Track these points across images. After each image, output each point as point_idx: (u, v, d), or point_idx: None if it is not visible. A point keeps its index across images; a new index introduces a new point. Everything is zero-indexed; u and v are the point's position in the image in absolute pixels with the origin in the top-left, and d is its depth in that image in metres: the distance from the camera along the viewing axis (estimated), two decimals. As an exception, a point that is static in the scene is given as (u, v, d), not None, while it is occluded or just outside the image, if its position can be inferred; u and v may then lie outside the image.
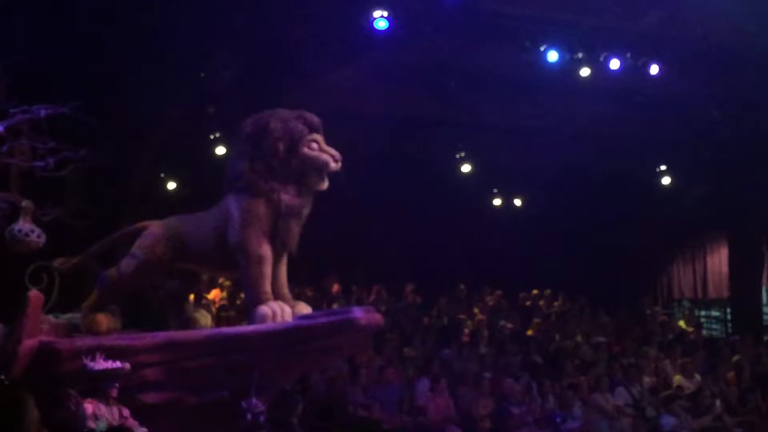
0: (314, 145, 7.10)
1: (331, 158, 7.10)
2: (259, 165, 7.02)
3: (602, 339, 17.76)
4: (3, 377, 6.47)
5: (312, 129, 7.16)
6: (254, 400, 6.63)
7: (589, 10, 15.74)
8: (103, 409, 6.49)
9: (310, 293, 16.55)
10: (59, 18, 12.31)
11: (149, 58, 13.43)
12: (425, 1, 14.94)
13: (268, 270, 7.00)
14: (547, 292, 20.64)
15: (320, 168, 7.08)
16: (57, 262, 7.49)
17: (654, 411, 14.71)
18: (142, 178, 15.72)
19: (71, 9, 12.55)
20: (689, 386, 15.48)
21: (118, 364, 6.55)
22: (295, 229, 7.10)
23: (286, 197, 7.01)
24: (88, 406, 6.45)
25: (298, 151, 7.05)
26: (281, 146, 7.02)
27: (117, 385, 6.55)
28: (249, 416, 6.63)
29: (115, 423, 6.49)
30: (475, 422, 13.39)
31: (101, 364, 6.55)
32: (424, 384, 13.75)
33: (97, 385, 6.54)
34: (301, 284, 16.07)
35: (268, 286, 7.00)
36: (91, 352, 6.58)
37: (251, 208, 6.98)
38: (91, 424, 6.39)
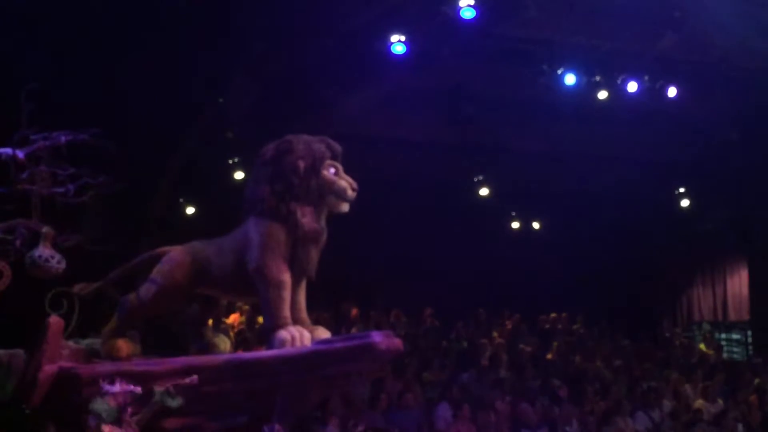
0: (332, 170, 7.08)
1: (349, 186, 7.06)
2: (279, 186, 6.99)
3: (622, 362, 17.68)
4: (24, 406, 6.46)
5: (333, 155, 7.14)
6: (275, 426, 6.60)
7: (607, 33, 15.77)
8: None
9: (328, 318, 16.55)
10: (80, 45, 12.41)
11: (169, 84, 13.50)
12: (442, 26, 14.97)
13: (287, 295, 6.97)
14: (564, 315, 20.59)
15: (339, 193, 7.04)
16: (77, 288, 7.47)
17: (675, 435, 14.65)
18: (162, 204, 15.78)
19: (91, 36, 12.65)
20: (711, 410, 15.38)
21: (137, 388, 6.55)
22: (314, 254, 7.06)
23: (305, 220, 6.97)
24: (107, 430, 6.44)
25: (319, 172, 7.03)
26: (302, 164, 6.98)
27: (130, 409, 6.54)
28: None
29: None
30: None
31: (120, 387, 6.55)
32: (443, 408, 13.71)
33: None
34: (319, 309, 16.07)
35: (287, 311, 6.96)
36: (111, 378, 6.58)
37: (271, 233, 6.94)
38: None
